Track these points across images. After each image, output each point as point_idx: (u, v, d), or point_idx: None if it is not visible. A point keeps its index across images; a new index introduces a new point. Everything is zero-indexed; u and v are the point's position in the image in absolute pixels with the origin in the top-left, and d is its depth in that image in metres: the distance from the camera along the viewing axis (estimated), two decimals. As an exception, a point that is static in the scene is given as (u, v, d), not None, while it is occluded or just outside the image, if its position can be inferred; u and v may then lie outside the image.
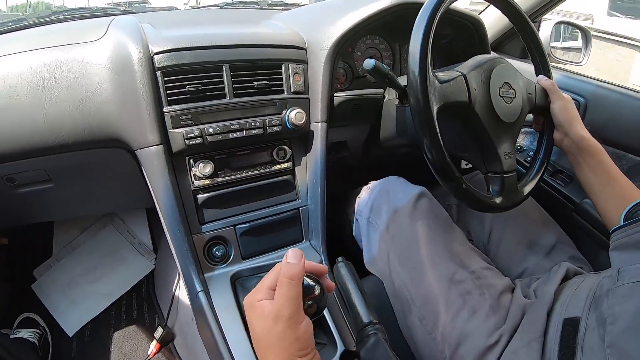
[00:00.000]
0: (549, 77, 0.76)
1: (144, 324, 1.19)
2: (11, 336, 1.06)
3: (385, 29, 0.89)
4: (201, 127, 0.67)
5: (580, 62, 1.12)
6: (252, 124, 0.70)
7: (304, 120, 0.73)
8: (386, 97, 0.80)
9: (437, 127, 0.57)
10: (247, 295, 0.42)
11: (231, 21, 1.02)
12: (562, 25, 1.11)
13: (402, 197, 0.76)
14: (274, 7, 1.16)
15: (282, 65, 0.74)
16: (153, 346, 1.07)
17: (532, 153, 0.98)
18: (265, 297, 0.41)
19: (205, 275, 0.68)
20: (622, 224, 0.55)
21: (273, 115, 0.73)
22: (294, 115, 0.72)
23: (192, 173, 0.70)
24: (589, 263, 0.76)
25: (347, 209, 0.90)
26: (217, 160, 0.71)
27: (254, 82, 0.71)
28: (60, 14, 0.99)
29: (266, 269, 0.62)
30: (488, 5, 1.05)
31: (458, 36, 0.92)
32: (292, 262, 0.41)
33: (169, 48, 0.65)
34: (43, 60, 0.65)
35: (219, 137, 0.68)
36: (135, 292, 1.27)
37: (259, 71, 0.72)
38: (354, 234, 0.85)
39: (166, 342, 1.07)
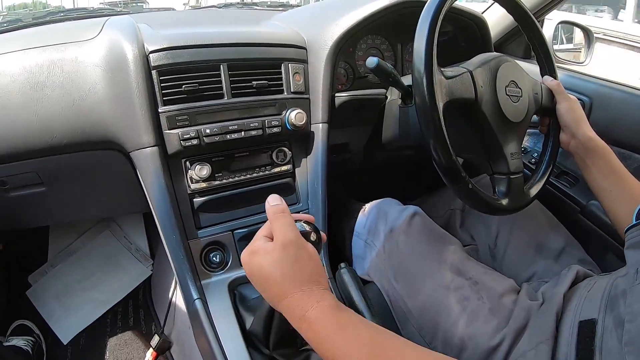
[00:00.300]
0: (555, 77, 0.75)
1: (140, 332, 1.17)
2: (4, 344, 1.04)
3: (387, 29, 0.88)
4: (198, 128, 0.65)
5: (583, 62, 1.11)
6: (251, 124, 0.69)
7: (304, 121, 0.71)
8: (389, 98, 0.79)
9: (443, 124, 0.56)
10: (243, 251, 0.44)
11: (230, 21, 1.02)
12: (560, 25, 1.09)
13: (397, 217, 0.77)
14: (273, 8, 1.15)
15: (282, 65, 0.72)
16: (149, 354, 1.04)
17: (536, 154, 0.97)
18: (263, 242, 0.43)
19: (202, 282, 0.67)
20: (634, 222, 0.53)
21: (272, 115, 0.71)
22: (294, 115, 0.70)
23: (188, 176, 0.68)
24: (597, 265, 0.75)
25: (342, 227, 0.90)
26: (214, 163, 0.69)
27: (253, 82, 0.69)
28: (56, 14, 0.98)
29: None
30: (492, 4, 1.04)
31: (460, 35, 0.91)
32: (275, 202, 0.46)
33: (165, 46, 0.64)
34: (36, 59, 0.64)
35: (217, 138, 0.67)
36: (131, 299, 1.25)
37: (258, 70, 0.70)
38: (352, 252, 0.85)
39: (162, 351, 1.05)
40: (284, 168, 0.75)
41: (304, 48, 0.76)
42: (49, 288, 1.21)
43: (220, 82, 0.67)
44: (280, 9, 1.13)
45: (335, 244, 0.88)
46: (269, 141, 0.73)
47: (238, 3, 1.19)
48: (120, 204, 1.01)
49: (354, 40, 0.83)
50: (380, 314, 0.59)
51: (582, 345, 0.49)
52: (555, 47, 1.23)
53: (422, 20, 0.59)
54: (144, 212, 1.26)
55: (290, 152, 0.75)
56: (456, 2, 0.66)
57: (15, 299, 1.20)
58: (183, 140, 0.64)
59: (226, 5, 1.17)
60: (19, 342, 1.04)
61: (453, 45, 0.93)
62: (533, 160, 0.98)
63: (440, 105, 0.56)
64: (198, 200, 0.69)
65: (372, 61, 0.62)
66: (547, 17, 1.07)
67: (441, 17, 0.58)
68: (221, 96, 0.68)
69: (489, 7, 1.06)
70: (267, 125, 0.70)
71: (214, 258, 0.69)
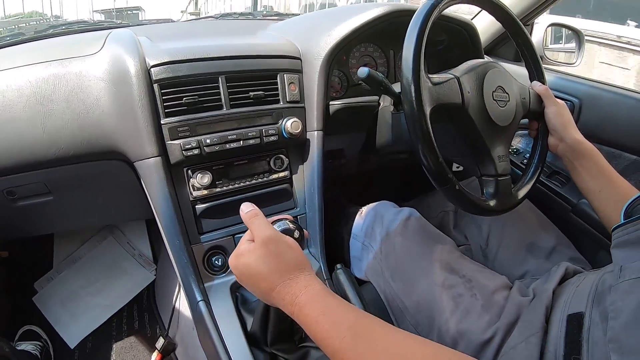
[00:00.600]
0: (543, 82, 0.76)
1: (145, 335, 1.19)
2: (13, 349, 1.06)
3: (379, 37, 0.90)
4: (198, 138, 0.67)
5: (574, 64, 1.13)
6: (249, 134, 0.71)
7: (300, 129, 0.74)
8: (381, 105, 0.80)
9: (430, 128, 0.57)
10: (229, 257, 0.49)
11: (227, 32, 1.03)
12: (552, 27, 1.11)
13: (393, 219, 0.79)
14: (269, 18, 1.17)
15: (278, 75, 0.74)
16: (154, 357, 1.06)
17: (528, 155, 0.99)
18: (246, 245, 0.47)
19: (205, 284, 0.69)
20: (622, 221, 0.55)
21: (269, 125, 0.73)
22: (290, 124, 0.73)
23: (190, 184, 0.70)
24: (589, 263, 0.76)
25: (340, 230, 0.91)
26: (215, 171, 0.71)
27: (250, 93, 0.71)
28: (57, 27, 1.00)
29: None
30: (481, 10, 1.06)
31: (452, 42, 0.93)
32: (248, 208, 0.51)
33: (165, 61, 0.66)
34: (41, 74, 0.66)
35: (217, 147, 0.69)
36: (136, 303, 1.27)
37: (255, 82, 0.72)
38: (350, 254, 0.87)
39: (167, 353, 1.07)
40: (282, 175, 0.77)
41: (299, 58, 0.78)
42: (54, 294, 1.23)
43: (219, 93, 0.69)
44: (275, 18, 1.15)
45: (333, 247, 0.90)
46: (267, 149, 0.75)
47: (234, 13, 1.21)
48: (124, 211, 1.02)
49: (347, 48, 0.84)
50: (375, 313, 0.61)
51: (570, 337, 0.50)
52: (557, 46, 1.25)
53: (411, 29, 0.60)
54: (147, 219, 1.28)
55: (287, 159, 0.77)
56: (445, 10, 0.68)
57: (22, 305, 1.21)
58: (185, 150, 0.66)
59: (223, 16, 1.19)
60: (27, 347, 1.06)
61: (448, 53, 0.94)
62: (525, 161, 0.99)
63: (428, 110, 0.58)
64: (200, 206, 0.71)
65: (363, 71, 0.63)
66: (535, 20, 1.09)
67: (429, 25, 0.60)
68: (220, 107, 0.69)
69: (478, 13, 1.08)
70: (264, 134, 0.72)
71: (216, 262, 0.71)
